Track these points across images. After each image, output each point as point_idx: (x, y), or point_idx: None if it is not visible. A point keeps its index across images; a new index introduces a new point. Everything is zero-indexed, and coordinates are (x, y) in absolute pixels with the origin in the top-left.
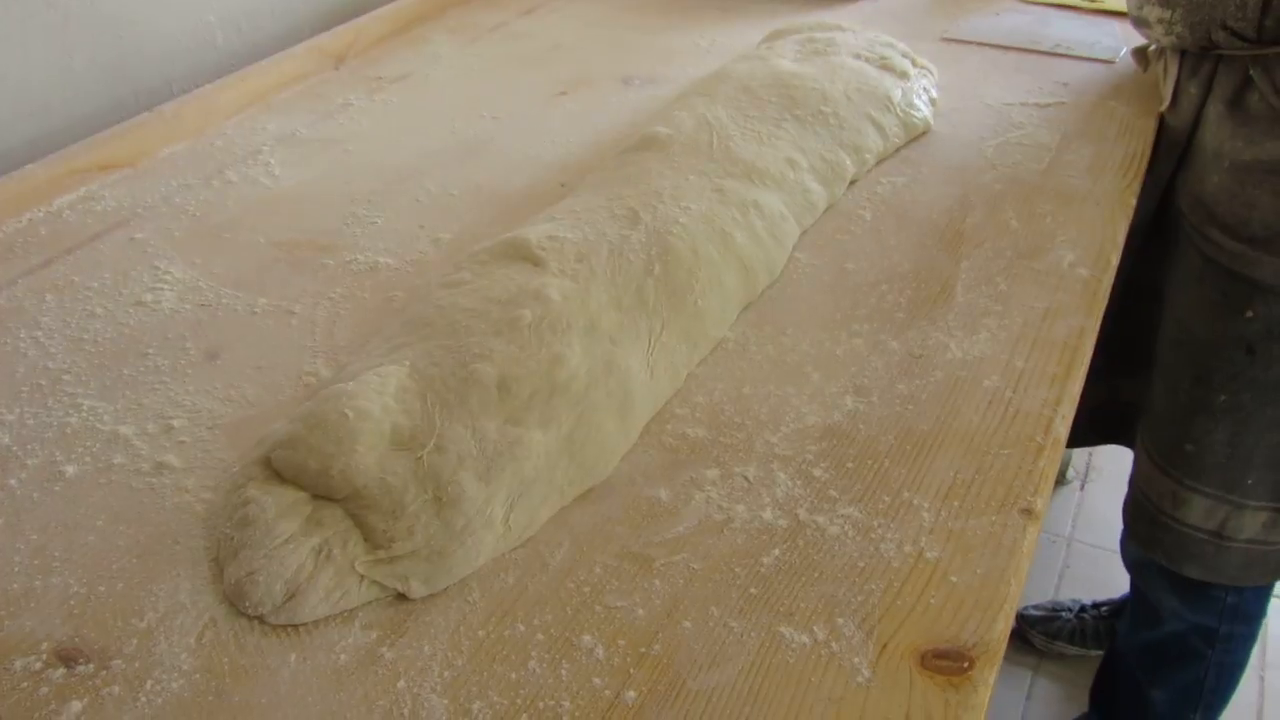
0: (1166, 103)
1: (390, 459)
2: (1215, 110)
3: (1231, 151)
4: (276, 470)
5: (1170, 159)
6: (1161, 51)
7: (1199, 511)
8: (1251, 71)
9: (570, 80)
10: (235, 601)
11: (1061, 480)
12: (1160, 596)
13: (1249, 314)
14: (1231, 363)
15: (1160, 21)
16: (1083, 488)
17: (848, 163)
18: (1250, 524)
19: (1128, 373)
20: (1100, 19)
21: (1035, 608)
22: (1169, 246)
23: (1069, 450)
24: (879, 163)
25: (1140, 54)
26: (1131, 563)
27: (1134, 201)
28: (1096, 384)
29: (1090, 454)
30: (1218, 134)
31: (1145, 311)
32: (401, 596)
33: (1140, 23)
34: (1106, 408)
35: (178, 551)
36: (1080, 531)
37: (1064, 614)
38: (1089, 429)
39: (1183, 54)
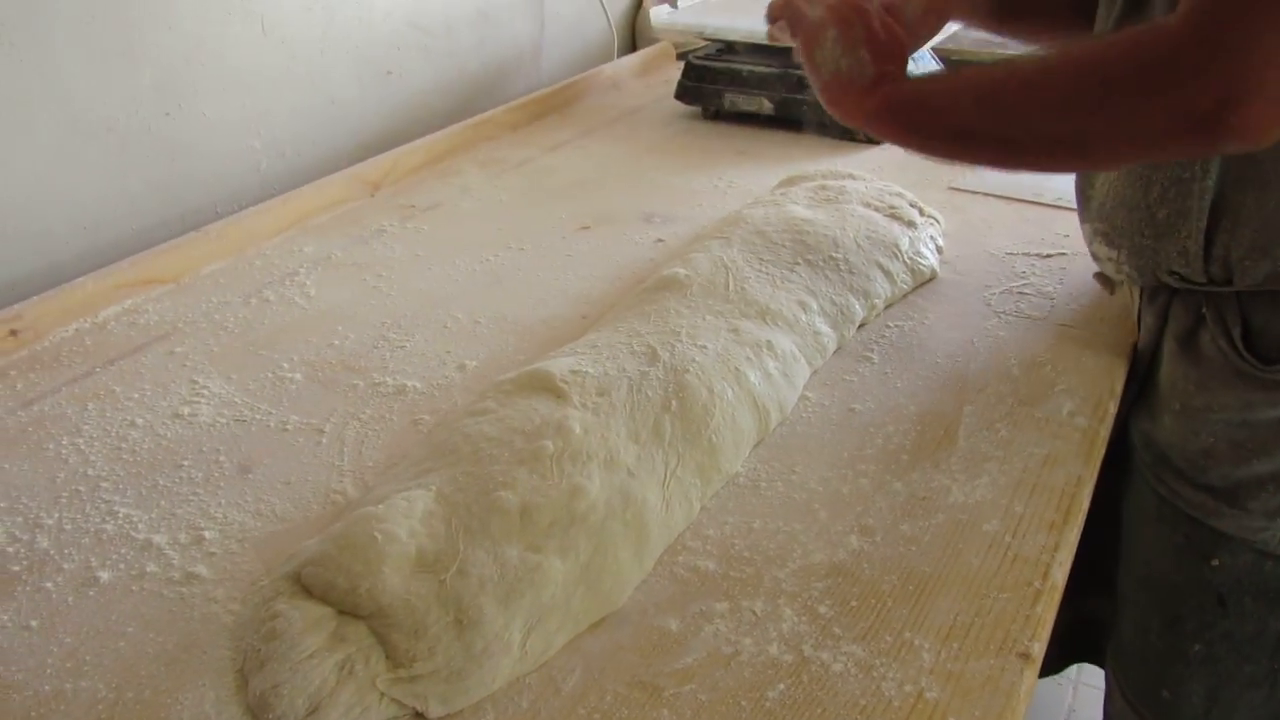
0: (1139, 333)
1: (415, 580)
2: (1169, 347)
3: (1183, 394)
4: (306, 586)
5: (1131, 393)
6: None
7: None
8: (1204, 309)
9: (593, 215)
10: (259, 714)
11: None
12: None
13: (1215, 562)
14: (1202, 611)
15: (1109, 260)
16: None
17: (857, 307)
18: None
19: (1094, 593)
20: None
21: None
22: (1123, 476)
23: None
24: (887, 307)
25: (1104, 278)
26: None
27: (1130, 353)
28: (1068, 599)
29: None
30: (1170, 373)
31: (1105, 535)
32: (419, 715)
33: (1094, 256)
34: (1075, 629)
35: (204, 661)
36: (1087, 675)
37: None
38: (1059, 655)
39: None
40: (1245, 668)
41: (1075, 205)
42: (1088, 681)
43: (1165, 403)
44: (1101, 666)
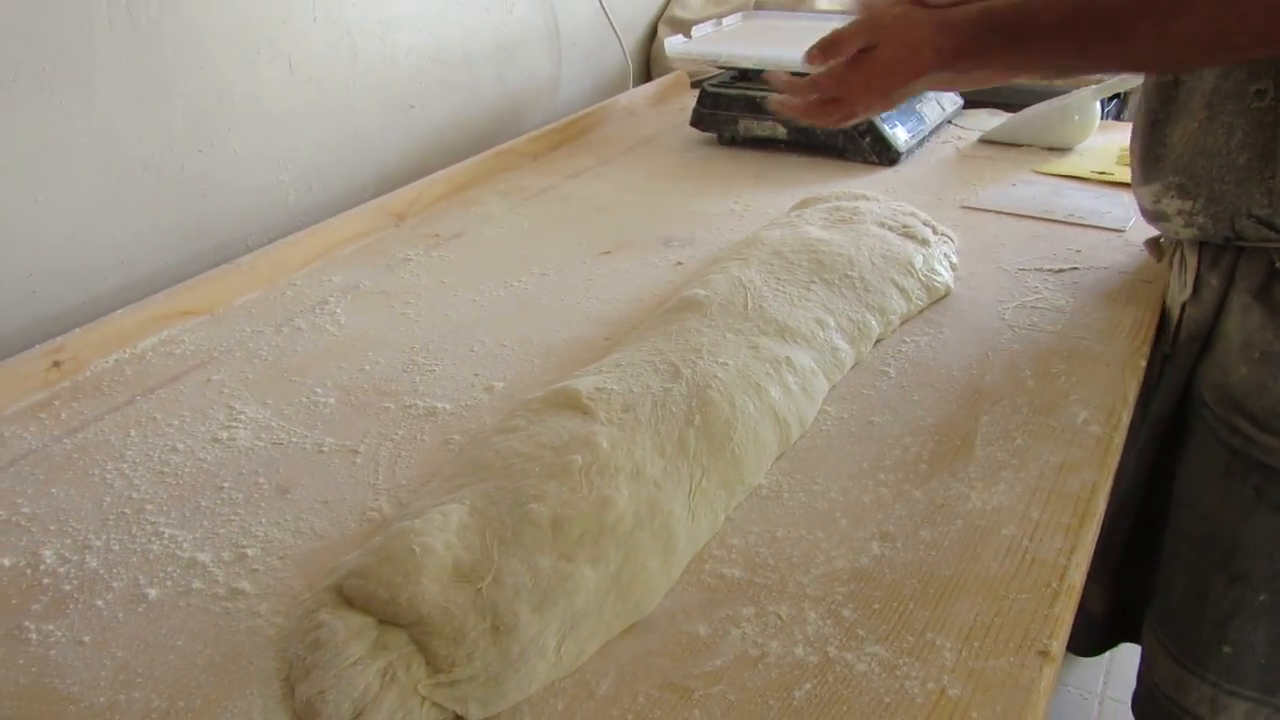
0: (1188, 293)
1: (452, 590)
2: (1240, 301)
3: (1261, 342)
4: (347, 597)
5: (1191, 351)
6: (1178, 243)
7: (1241, 717)
8: (1277, 263)
9: (613, 240)
10: (305, 719)
11: None
12: None
13: None
14: (1271, 560)
15: (1180, 214)
16: None
17: (873, 323)
18: None
19: (1134, 572)
20: (1109, 190)
21: None
22: (1185, 440)
23: None
24: (903, 323)
25: (1154, 244)
26: None
27: (1144, 363)
28: (1102, 589)
29: None
30: (1245, 324)
31: (1153, 507)
32: (459, 718)
33: (1157, 216)
34: (1129, 605)
35: (251, 671)
36: (1113, 689)
37: None
38: (1112, 631)
39: (1201, 245)
40: None
41: (1084, 221)
42: (1114, 696)
43: (1242, 353)
44: (1137, 642)
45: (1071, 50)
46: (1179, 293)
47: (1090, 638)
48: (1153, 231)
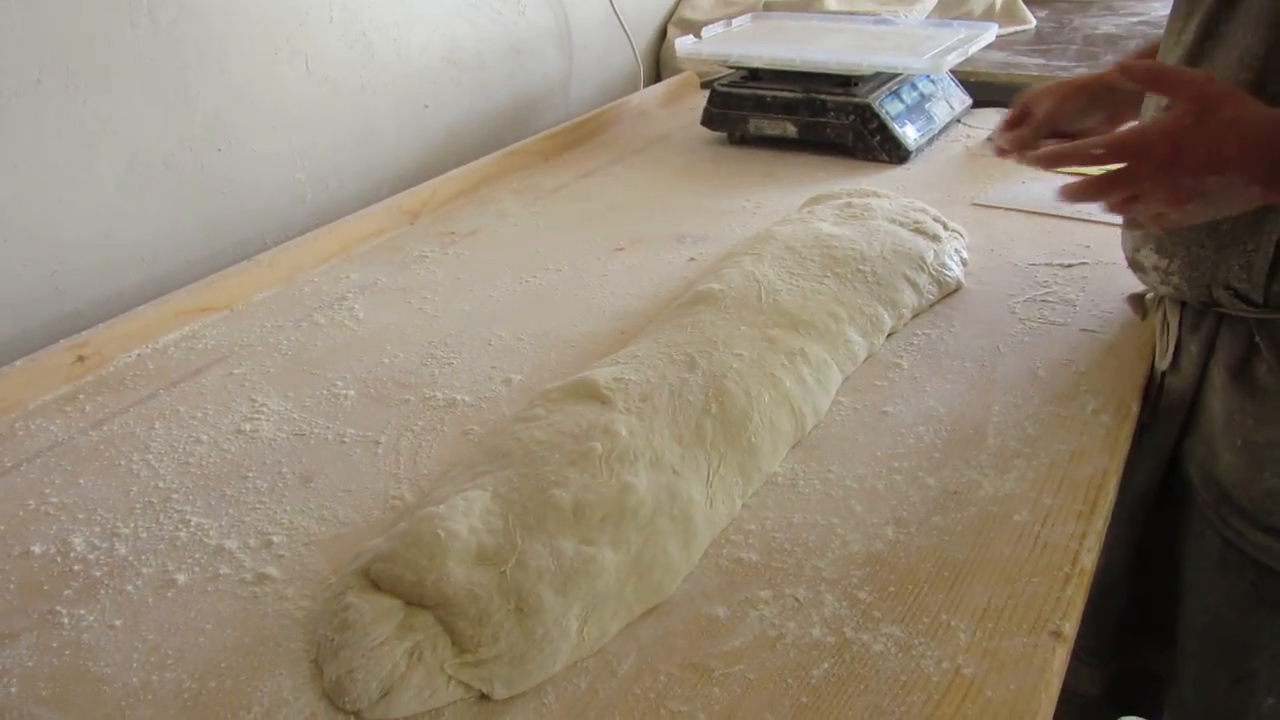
0: (1167, 361)
1: (477, 573)
2: (1220, 377)
3: (1242, 429)
4: (374, 580)
5: (1172, 424)
6: (1161, 300)
7: None
8: (1257, 338)
9: (627, 237)
10: (334, 698)
11: None
12: None
13: None
14: (1275, 664)
15: (1156, 269)
16: None
17: (885, 316)
18: None
19: (1152, 643)
20: None
21: None
22: (1183, 520)
23: None
24: (915, 316)
25: (1137, 301)
26: None
27: (1152, 353)
28: (1116, 651)
29: None
30: (1226, 405)
31: (1161, 584)
32: (484, 697)
33: (1136, 265)
34: (1130, 677)
35: (280, 653)
36: None
37: None
38: (1109, 699)
39: (1183, 306)
40: None
41: (1092, 217)
42: None
43: (1224, 439)
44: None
45: None
46: (1159, 358)
47: (1097, 704)
48: (1138, 286)
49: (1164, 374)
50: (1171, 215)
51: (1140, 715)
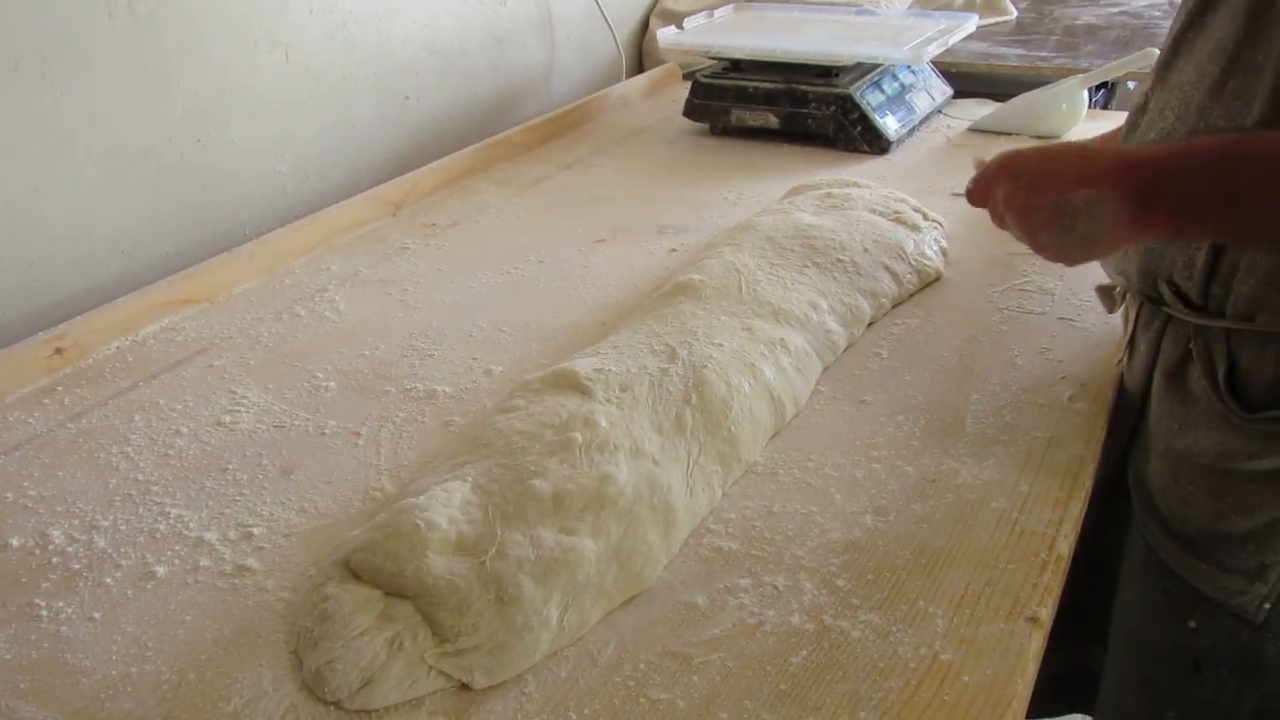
0: (1123, 358)
1: (457, 563)
2: (1158, 382)
3: (1167, 433)
4: (354, 571)
5: (1126, 421)
6: (1125, 294)
7: None
8: (1191, 344)
9: (608, 228)
10: (314, 688)
11: None
12: None
13: (1192, 624)
14: (1179, 676)
15: (1112, 258)
16: None
17: (865, 306)
18: None
19: (1096, 638)
20: None
21: None
22: (1124, 522)
23: None
24: (894, 306)
25: (1106, 293)
26: None
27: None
28: (1060, 648)
29: None
30: (1157, 409)
31: (1106, 581)
32: (465, 686)
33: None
34: (1073, 674)
35: (260, 645)
36: None
37: None
38: (1052, 697)
39: (1142, 303)
40: None
41: None
42: None
43: (1153, 443)
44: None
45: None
46: (1117, 353)
47: (1039, 694)
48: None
49: (1121, 375)
50: (1027, 243)
51: (1083, 713)
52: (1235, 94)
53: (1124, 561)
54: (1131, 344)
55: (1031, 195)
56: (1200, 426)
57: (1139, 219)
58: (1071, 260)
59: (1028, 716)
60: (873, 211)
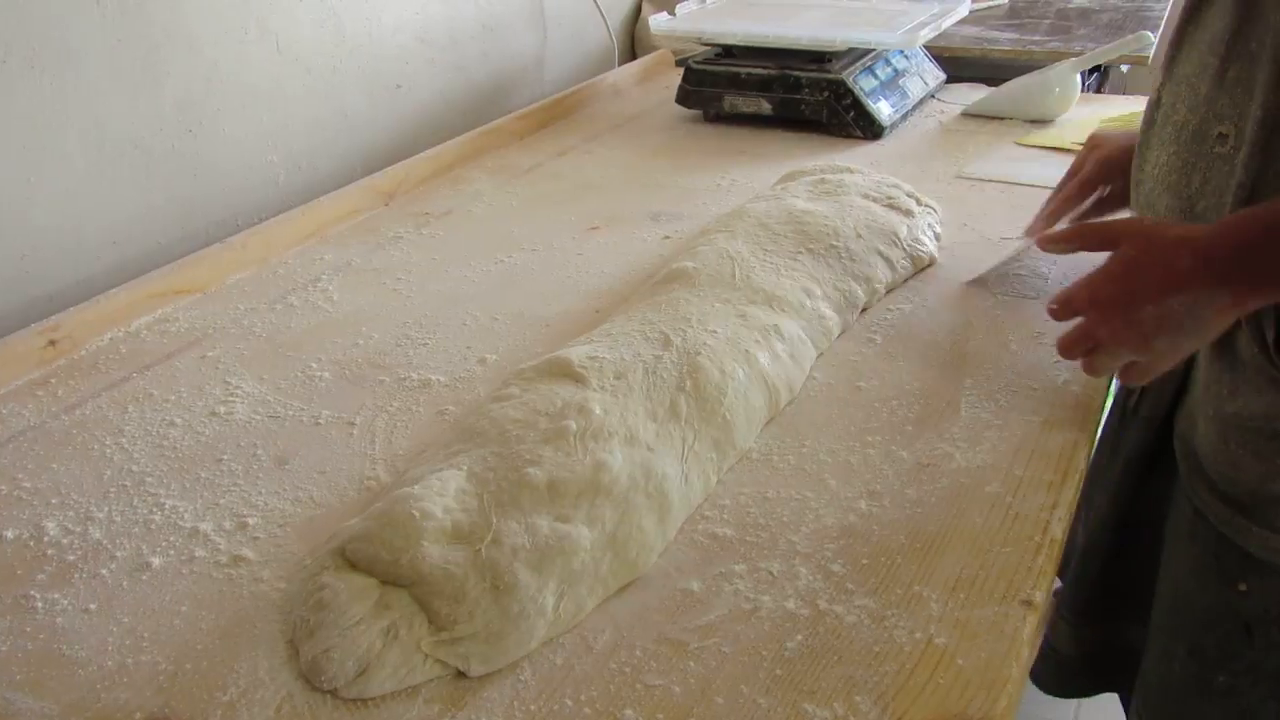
0: None
1: (452, 551)
2: (1206, 349)
3: (1216, 399)
4: (350, 560)
5: (1164, 392)
6: None
7: None
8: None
9: (601, 216)
10: (310, 677)
11: None
12: None
13: (1242, 587)
14: (1228, 640)
15: None
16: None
17: (859, 292)
18: None
19: (1130, 616)
20: None
21: None
22: (1167, 489)
23: None
24: (888, 291)
25: None
26: None
27: None
28: (1095, 615)
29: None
30: (1205, 375)
31: (1143, 555)
32: (461, 674)
33: None
34: (1108, 653)
35: (256, 634)
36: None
37: None
38: (1088, 677)
39: None
40: (1270, 705)
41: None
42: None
43: (1201, 408)
44: (1126, 694)
45: None
46: None
47: (1060, 678)
48: None
49: None
50: (1140, 360)
51: (1118, 691)
52: (1236, 82)
53: (1171, 530)
54: None
55: (1128, 318)
56: (1249, 390)
57: (1238, 302)
58: (1187, 352)
59: (1067, 698)
60: (866, 197)
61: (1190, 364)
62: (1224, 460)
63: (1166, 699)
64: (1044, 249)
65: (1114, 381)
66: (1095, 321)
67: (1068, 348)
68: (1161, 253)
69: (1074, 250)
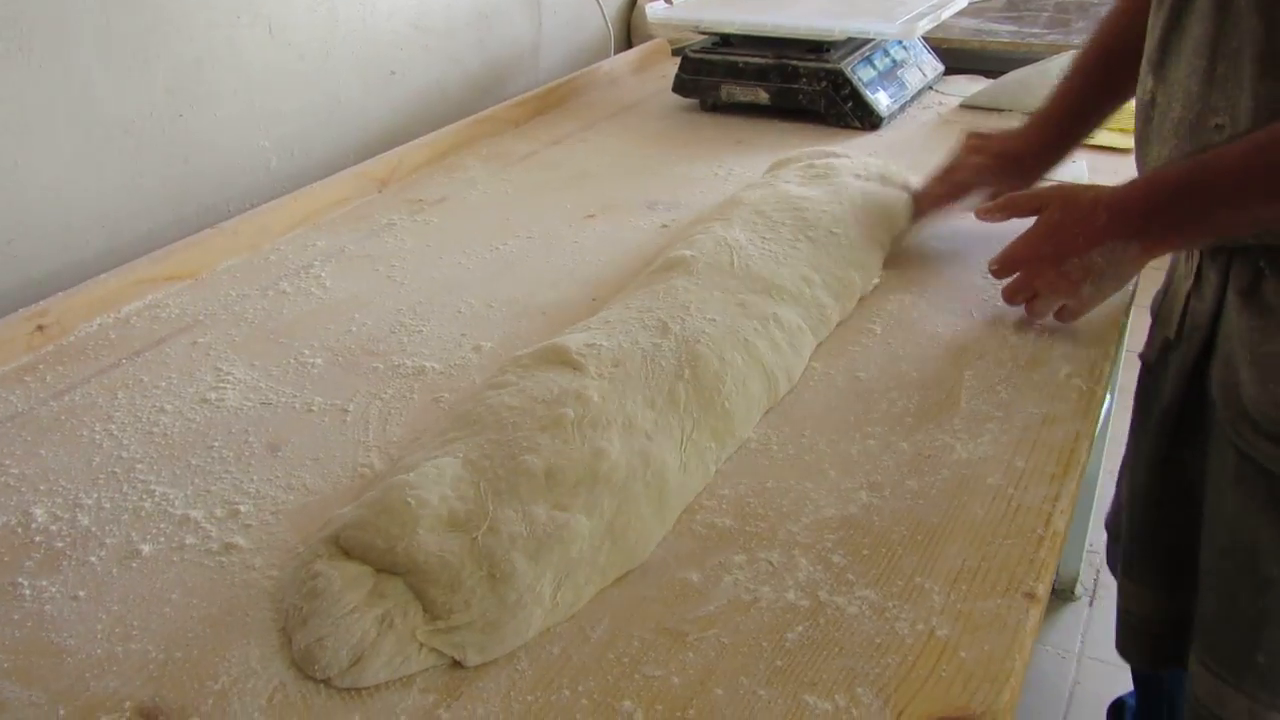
0: (1190, 282)
1: (448, 539)
2: (1232, 301)
3: (1253, 344)
4: (344, 548)
5: (1194, 342)
6: None
7: None
8: (1262, 263)
9: (598, 205)
10: (304, 666)
11: (1070, 597)
12: None
13: None
14: None
15: None
16: (1091, 604)
17: (858, 280)
18: None
19: (1184, 585)
20: (1088, 152)
21: None
22: (1204, 442)
23: (1076, 565)
24: (883, 282)
25: None
26: None
27: (1126, 319)
28: (1158, 599)
29: (1098, 571)
30: (1238, 325)
31: (1185, 516)
32: (457, 664)
33: None
34: (1170, 630)
35: (248, 623)
36: (1090, 648)
37: None
38: (1154, 654)
39: None
40: None
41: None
42: (1092, 654)
43: (1239, 355)
44: (1185, 667)
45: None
46: (1183, 279)
47: (1141, 645)
48: None
49: (1188, 295)
50: (1070, 303)
51: (1181, 664)
52: (1225, 77)
53: (1214, 478)
54: (1199, 275)
55: (1059, 269)
56: None
57: (1147, 248)
58: (1109, 294)
59: (1156, 669)
60: (857, 177)
61: (1217, 316)
62: (1266, 400)
63: (1237, 638)
64: (981, 219)
65: (1119, 370)
66: (1031, 274)
67: (1010, 296)
68: (1082, 212)
69: (1007, 219)
